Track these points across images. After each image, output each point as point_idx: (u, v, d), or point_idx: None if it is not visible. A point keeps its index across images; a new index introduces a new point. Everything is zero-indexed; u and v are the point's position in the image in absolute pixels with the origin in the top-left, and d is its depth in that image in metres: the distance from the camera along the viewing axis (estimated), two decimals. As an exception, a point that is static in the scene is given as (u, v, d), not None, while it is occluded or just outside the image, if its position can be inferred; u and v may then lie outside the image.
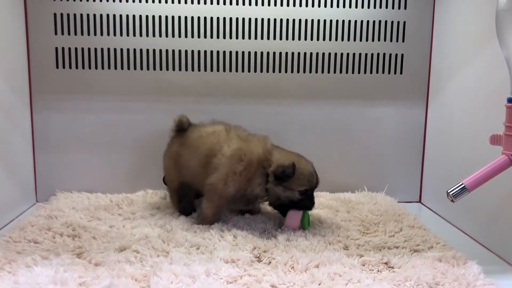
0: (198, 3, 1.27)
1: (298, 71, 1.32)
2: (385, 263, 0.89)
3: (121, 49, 1.28)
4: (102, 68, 1.28)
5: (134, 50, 1.28)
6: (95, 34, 1.26)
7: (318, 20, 1.30)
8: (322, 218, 1.14)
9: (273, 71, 1.32)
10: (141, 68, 1.29)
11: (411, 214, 1.19)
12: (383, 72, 1.34)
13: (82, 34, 1.26)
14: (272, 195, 1.06)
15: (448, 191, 0.84)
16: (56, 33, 1.26)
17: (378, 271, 0.86)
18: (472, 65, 1.12)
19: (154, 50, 1.28)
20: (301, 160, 1.07)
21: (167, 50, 1.28)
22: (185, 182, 1.16)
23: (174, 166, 1.17)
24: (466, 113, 1.14)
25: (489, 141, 0.86)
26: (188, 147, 1.14)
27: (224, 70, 1.31)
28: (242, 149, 1.07)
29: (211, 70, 1.30)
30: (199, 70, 1.30)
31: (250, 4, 1.28)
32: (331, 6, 1.29)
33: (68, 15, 1.25)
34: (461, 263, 0.88)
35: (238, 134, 1.13)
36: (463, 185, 0.83)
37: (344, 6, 1.29)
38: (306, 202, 1.06)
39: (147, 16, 1.26)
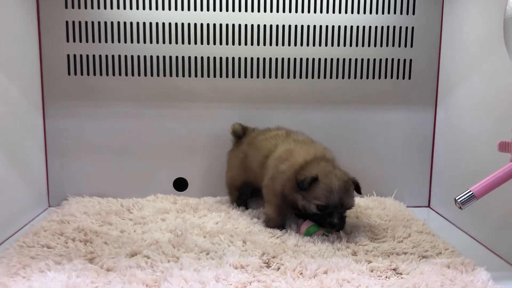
0: (208, 10, 1.28)
1: (306, 77, 1.33)
2: (394, 269, 0.90)
3: (132, 56, 1.29)
4: (113, 74, 1.30)
5: (145, 56, 1.30)
6: (106, 41, 1.28)
7: (327, 26, 1.31)
8: (330, 223, 1.15)
9: (282, 77, 1.33)
10: (152, 75, 1.31)
11: (420, 219, 1.19)
12: (391, 77, 1.34)
13: (93, 41, 1.28)
14: (294, 201, 1.08)
15: (456, 198, 0.84)
16: (68, 41, 1.28)
17: (386, 277, 0.87)
18: (480, 70, 1.12)
19: (164, 57, 1.30)
20: (331, 176, 1.04)
21: (177, 57, 1.30)
22: (248, 181, 1.25)
23: (240, 165, 1.26)
24: (475, 118, 1.14)
25: (498, 148, 0.86)
26: (253, 148, 1.22)
27: (233, 76, 1.32)
28: (290, 150, 1.12)
29: (221, 76, 1.32)
30: (208, 76, 1.32)
31: (259, 11, 1.29)
32: (339, 12, 1.30)
33: (80, 23, 1.27)
34: (470, 269, 0.88)
35: (295, 138, 1.17)
36: (471, 192, 0.83)
37: (352, 12, 1.30)
38: (323, 219, 1.04)
39: (157, 24, 1.28)
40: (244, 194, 1.30)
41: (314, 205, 1.04)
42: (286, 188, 1.09)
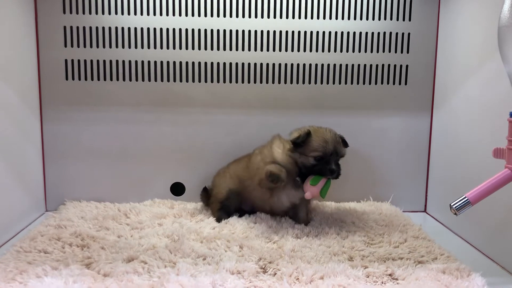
0: (205, 16, 1.29)
1: (304, 82, 1.34)
2: (389, 275, 0.90)
3: (129, 61, 1.30)
4: (111, 79, 1.30)
5: (142, 62, 1.30)
6: (103, 46, 1.29)
7: (323, 32, 1.31)
8: (327, 228, 1.15)
9: (279, 82, 1.33)
10: (149, 80, 1.31)
11: (416, 224, 1.20)
12: (388, 83, 1.35)
13: (91, 46, 1.28)
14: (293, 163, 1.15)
15: (451, 204, 0.85)
16: (65, 46, 1.28)
17: (382, 282, 0.87)
18: (476, 76, 1.13)
19: (161, 62, 1.30)
20: (320, 129, 1.16)
21: (174, 62, 1.31)
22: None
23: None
24: (471, 123, 1.15)
25: (492, 155, 0.87)
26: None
27: (231, 82, 1.33)
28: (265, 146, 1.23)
29: (218, 81, 1.32)
30: (206, 81, 1.32)
31: (256, 17, 1.30)
32: (336, 18, 1.31)
33: (77, 28, 1.27)
34: (465, 275, 0.89)
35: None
36: (466, 199, 0.84)
37: (349, 19, 1.31)
38: (322, 168, 1.12)
39: (154, 29, 1.29)
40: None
41: (311, 158, 1.12)
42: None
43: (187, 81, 1.32)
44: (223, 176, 1.29)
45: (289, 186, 1.16)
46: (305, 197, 1.13)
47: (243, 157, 1.29)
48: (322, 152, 1.12)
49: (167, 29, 1.29)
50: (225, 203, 1.25)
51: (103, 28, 1.28)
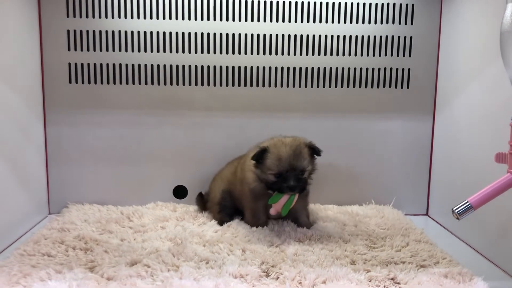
0: (208, 19, 1.29)
1: (306, 86, 1.34)
2: (392, 279, 0.90)
3: (132, 65, 1.30)
4: (114, 83, 1.31)
5: (145, 65, 1.31)
6: (107, 50, 1.29)
7: (326, 36, 1.32)
8: (329, 232, 1.15)
9: (281, 86, 1.34)
10: (152, 83, 1.32)
11: (418, 228, 1.20)
12: (390, 86, 1.35)
13: (94, 50, 1.29)
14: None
15: (454, 209, 0.85)
16: (69, 49, 1.29)
17: (384, 287, 0.87)
18: (478, 80, 1.13)
19: (164, 66, 1.31)
20: (277, 144, 1.11)
21: (177, 66, 1.31)
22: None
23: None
24: (473, 127, 1.15)
25: (494, 159, 0.87)
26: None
27: (233, 85, 1.33)
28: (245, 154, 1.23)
29: (220, 85, 1.33)
30: (208, 84, 1.33)
31: (258, 20, 1.30)
32: (338, 22, 1.31)
33: (81, 31, 1.28)
34: (467, 279, 0.89)
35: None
36: (468, 203, 0.84)
37: (351, 22, 1.31)
38: (281, 185, 1.09)
39: (157, 33, 1.29)
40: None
41: (270, 175, 1.10)
42: (250, 179, 1.16)
43: (189, 84, 1.32)
44: (215, 180, 1.32)
45: (265, 200, 1.15)
46: (270, 213, 1.14)
47: (233, 161, 1.30)
48: (277, 170, 1.09)
49: (170, 33, 1.30)
50: (223, 204, 1.26)
51: (106, 32, 1.28)
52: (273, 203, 1.11)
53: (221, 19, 1.30)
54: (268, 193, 1.13)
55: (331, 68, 1.34)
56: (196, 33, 1.30)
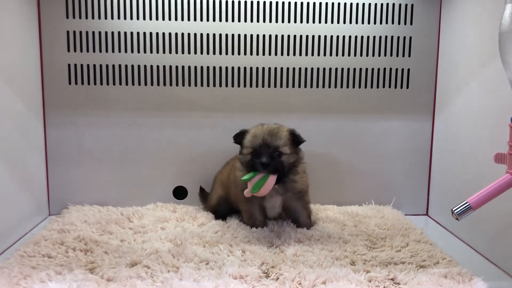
0: (208, 20, 1.30)
1: (305, 86, 1.34)
2: (391, 279, 0.90)
3: (132, 66, 1.30)
4: (114, 84, 1.31)
5: (145, 66, 1.31)
6: (106, 51, 1.29)
7: (325, 36, 1.32)
8: (329, 232, 1.15)
9: (281, 86, 1.34)
10: (152, 84, 1.32)
11: (418, 228, 1.20)
12: (389, 86, 1.35)
13: (94, 51, 1.29)
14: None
15: (453, 209, 0.85)
16: (69, 50, 1.29)
17: (384, 287, 0.88)
18: (478, 80, 1.13)
19: (164, 66, 1.31)
20: (258, 126, 1.14)
21: (176, 66, 1.31)
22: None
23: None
24: (472, 127, 1.15)
25: (494, 160, 0.87)
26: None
27: (232, 86, 1.33)
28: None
29: (220, 85, 1.33)
30: (208, 85, 1.33)
31: (258, 21, 1.30)
32: (338, 22, 1.31)
33: (80, 32, 1.28)
34: (467, 279, 0.89)
35: None
36: (467, 204, 0.84)
37: (351, 22, 1.31)
38: (254, 161, 1.09)
39: (157, 34, 1.29)
40: None
41: (247, 154, 1.11)
42: (239, 177, 1.14)
43: (189, 85, 1.33)
44: (215, 181, 1.33)
45: (259, 201, 1.16)
46: (245, 194, 1.11)
47: (230, 160, 1.31)
48: (251, 146, 1.10)
49: (170, 34, 1.30)
50: (217, 209, 1.28)
51: (106, 32, 1.29)
52: (246, 181, 1.08)
53: (220, 20, 1.30)
54: None
55: (330, 69, 1.34)
56: (196, 34, 1.30)
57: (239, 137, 1.14)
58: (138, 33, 1.29)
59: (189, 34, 1.30)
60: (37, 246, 1.02)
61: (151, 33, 1.29)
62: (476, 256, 1.09)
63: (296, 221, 1.21)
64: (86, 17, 1.28)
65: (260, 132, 1.11)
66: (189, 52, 1.31)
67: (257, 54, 1.32)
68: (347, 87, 1.35)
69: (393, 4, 1.31)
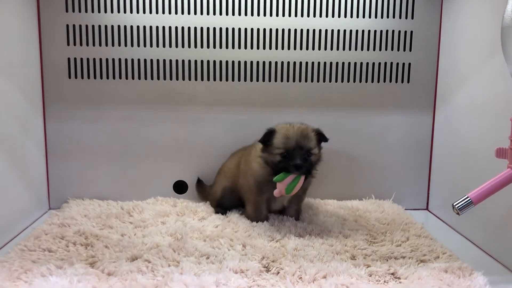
0: (208, 14, 1.29)
1: (306, 80, 1.34)
2: (392, 274, 0.90)
3: (132, 60, 1.30)
4: (113, 78, 1.31)
5: (145, 60, 1.30)
6: (106, 45, 1.29)
7: (326, 30, 1.31)
8: (329, 227, 1.15)
9: (281, 80, 1.34)
10: (152, 78, 1.31)
11: (418, 222, 1.20)
12: (390, 81, 1.35)
13: (94, 45, 1.29)
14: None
15: (454, 204, 0.85)
16: (68, 44, 1.28)
17: (384, 281, 0.88)
18: (479, 75, 1.13)
19: (164, 60, 1.31)
20: (285, 126, 1.13)
21: (176, 60, 1.31)
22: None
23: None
24: (473, 122, 1.15)
25: (495, 155, 0.87)
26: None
27: (233, 80, 1.33)
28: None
29: (220, 79, 1.32)
30: (208, 79, 1.32)
31: (258, 14, 1.30)
32: (339, 16, 1.31)
33: (80, 26, 1.28)
34: (467, 274, 0.89)
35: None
36: (468, 199, 0.84)
37: (351, 16, 1.31)
38: (286, 164, 1.09)
39: (157, 27, 1.29)
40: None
41: (277, 155, 1.10)
42: (256, 168, 1.16)
43: (189, 79, 1.32)
44: (219, 174, 1.32)
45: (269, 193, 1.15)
46: (274, 195, 1.12)
47: (238, 152, 1.31)
48: (284, 148, 1.09)
49: (170, 28, 1.29)
50: (221, 201, 1.28)
51: (106, 26, 1.28)
52: (278, 182, 1.10)
53: (221, 14, 1.29)
54: (273, 185, 1.12)
55: (331, 63, 1.33)
56: (196, 28, 1.30)
57: (267, 137, 1.12)
58: (138, 27, 1.29)
59: (189, 28, 1.30)
60: (37, 240, 1.02)
61: (151, 27, 1.29)
62: (477, 251, 1.09)
63: (283, 212, 1.24)
64: (86, 11, 1.27)
65: (293, 134, 1.10)
66: (189, 46, 1.30)
67: (257, 48, 1.31)
68: (348, 81, 1.34)
69: (394, -2, 1.31)
